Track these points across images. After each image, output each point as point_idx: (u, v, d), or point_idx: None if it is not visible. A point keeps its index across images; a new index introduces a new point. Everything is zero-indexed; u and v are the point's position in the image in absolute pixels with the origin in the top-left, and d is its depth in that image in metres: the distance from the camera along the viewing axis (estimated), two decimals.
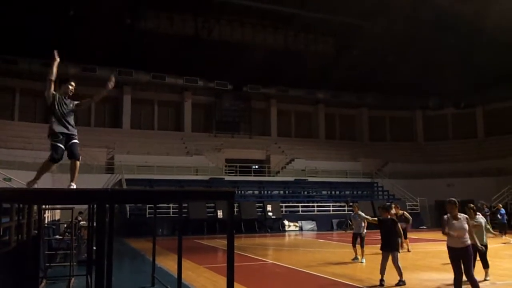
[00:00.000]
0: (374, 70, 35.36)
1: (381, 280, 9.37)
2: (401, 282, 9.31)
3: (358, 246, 13.23)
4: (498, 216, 21.59)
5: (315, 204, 29.77)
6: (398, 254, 9.53)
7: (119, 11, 29.32)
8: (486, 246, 9.80)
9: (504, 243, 18.41)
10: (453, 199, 7.80)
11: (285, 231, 27.22)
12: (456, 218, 7.59)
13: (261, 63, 34.00)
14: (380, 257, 9.72)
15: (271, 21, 33.95)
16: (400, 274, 9.36)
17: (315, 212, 29.22)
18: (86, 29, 28.18)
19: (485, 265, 9.80)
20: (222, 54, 32.75)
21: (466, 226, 7.54)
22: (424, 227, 29.78)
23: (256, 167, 34.50)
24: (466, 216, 7.82)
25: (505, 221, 21.12)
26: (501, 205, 22.75)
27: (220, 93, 36.99)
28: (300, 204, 29.68)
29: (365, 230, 13.37)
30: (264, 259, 14.49)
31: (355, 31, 33.21)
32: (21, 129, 29.89)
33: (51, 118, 6.22)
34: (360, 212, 13.61)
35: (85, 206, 15.56)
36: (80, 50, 29.66)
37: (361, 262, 12.81)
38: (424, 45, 33.62)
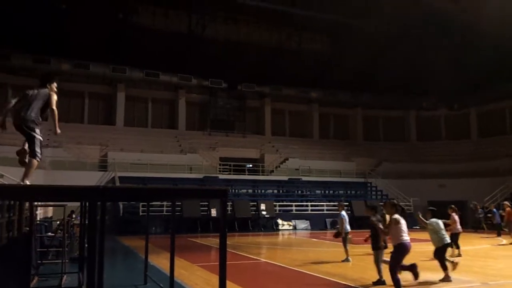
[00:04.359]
0: (368, 70, 35.43)
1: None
2: (380, 281, 9.24)
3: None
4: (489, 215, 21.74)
5: (309, 203, 29.78)
6: (381, 253, 9.46)
7: (111, 5, 29.15)
8: (444, 247, 9.93)
9: (500, 244, 18.45)
10: (393, 200, 8.25)
11: (278, 230, 27.22)
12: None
13: (256, 62, 34.00)
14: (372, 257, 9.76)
15: (266, 19, 33.89)
16: (379, 272, 9.33)
17: (309, 211, 29.25)
18: (79, 23, 27.99)
19: (443, 268, 9.71)
20: (217, 52, 32.68)
21: (392, 227, 7.97)
22: (418, 227, 29.81)
23: (250, 166, 34.45)
24: (395, 217, 7.99)
25: (499, 222, 21.08)
26: (493, 206, 22.85)
27: (214, 92, 36.85)
28: (293, 203, 29.68)
29: (348, 230, 12.98)
30: (257, 258, 14.47)
31: (350, 30, 33.22)
32: (12, 125, 29.62)
33: (40, 116, 6.24)
34: (343, 212, 13.21)
35: (78, 204, 15.44)
36: (72, 45, 29.50)
37: (348, 261, 12.57)
38: (419, 45, 33.74)
